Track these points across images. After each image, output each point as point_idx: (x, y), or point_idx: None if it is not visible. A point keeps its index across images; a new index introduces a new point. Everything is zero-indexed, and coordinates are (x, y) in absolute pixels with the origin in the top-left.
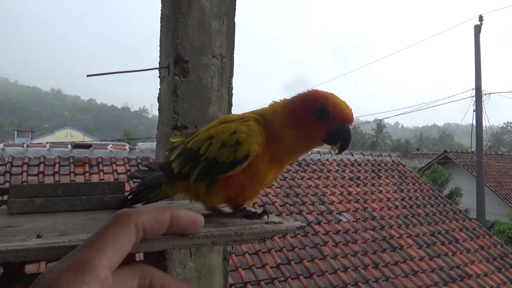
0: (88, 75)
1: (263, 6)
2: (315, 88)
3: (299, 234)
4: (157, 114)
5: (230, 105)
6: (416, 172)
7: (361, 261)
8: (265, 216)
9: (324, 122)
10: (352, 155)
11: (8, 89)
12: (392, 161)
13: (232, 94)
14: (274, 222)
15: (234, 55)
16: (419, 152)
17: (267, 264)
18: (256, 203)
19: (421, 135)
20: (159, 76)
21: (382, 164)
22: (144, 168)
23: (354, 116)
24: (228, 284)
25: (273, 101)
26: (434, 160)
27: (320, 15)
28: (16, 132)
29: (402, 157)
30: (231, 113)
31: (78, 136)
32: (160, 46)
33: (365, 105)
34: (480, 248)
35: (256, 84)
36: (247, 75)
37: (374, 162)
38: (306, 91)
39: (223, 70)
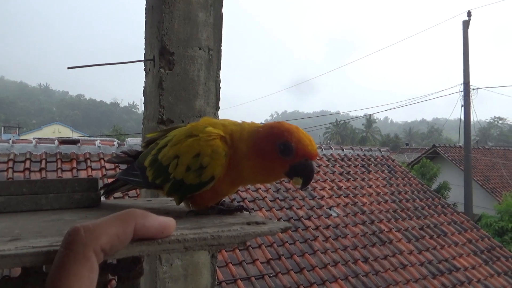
0: (69, 67)
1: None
2: (309, 80)
3: (289, 229)
4: None
5: (217, 98)
6: (405, 166)
7: (351, 256)
8: (245, 213)
9: (287, 157)
10: (342, 150)
11: None
12: (382, 156)
13: (219, 88)
14: (257, 222)
15: (222, 48)
16: (408, 146)
17: (258, 259)
18: (246, 198)
19: (410, 130)
20: (144, 69)
21: (372, 159)
22: (122, 154)
23: (343, 112)
24: (217, 282)
25: (242, 121)
26: (423, 154)
27: (314, 11)
28: (3, 128)
29: (391, 151)
30: (218, 107)
31: (67, 132)
32: (145, 38)
33: (355, 100)
34: (468, 241)
35: (249, 78)
36: (239, 69)
37: (364, 157)
38: (272, 122)
39: (210, 63)
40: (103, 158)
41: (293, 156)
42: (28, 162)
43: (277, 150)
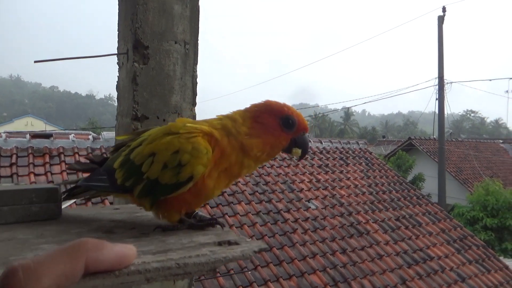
0: (35, 61)
1: None
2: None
3: (268, 222)
4: None
5: (194, 94)
6: (382, 158)
7: (329, 247)
8: (218, 227)
9: (290, 130)
10: (321, 143)
11: None
12: (360, 148)
13: (196, 83)
14: (229, 242)
15: (199, 41)
16: (385, 139)
17: None
18: (225, 192)
19: (386, 123)
20: (118, 63)
21: (350, 152)
22: (86, 161)
23: (322, 105)
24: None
25: (224, 114)
26: (399, 147)
27: (294, 2)
28: None
29: (369, 144)
30: (195, 103)
31: (40, 125)
32: (118, 31)
33: (333, 94)
34: (442, 231)
35: (227, 71)
36: (217, 61)
37: (342, 150)
38: (262, 101)
39: (186, 57)
40: (77, 153)
41: (295, 129)
42: None
43: (281, 124)
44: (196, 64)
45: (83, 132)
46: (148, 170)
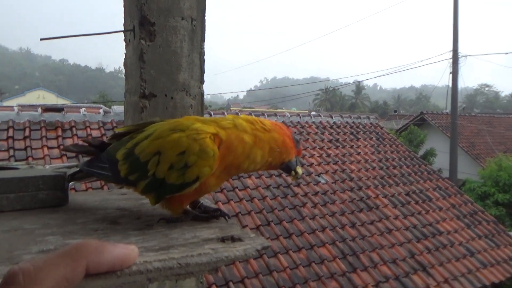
0: (41, 39)
1: None
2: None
3: (278, 196)
4: None
5: (202, 71)
6: (393, 133)
7: (339, 221)
8: (221, 218)
9: (296, 147)
10: (331, 117)
11: None
12: (370, 123)
13: (204, 60)
14: (233, 238)
15: (208, 15)
16: (396, 113)
17: (247, 225)
18: None
19: (398, 97)
20: (124, 40)
21: (361, 126)
22: (83, 143)
23: (332, 79)
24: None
25: (237, 116)
26: (411, 121)
27: None
28: None
29: (380, 118)
30: (203, 80)
31: (51, 98)
32: (124, 6)
33: (345, 67)
34: (452, 206)
35: (237, 44)
36: (226, 34)
37: (352, 124)
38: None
39: (193, 34)
40: (89, 126)
41: (298, 149)
42: (11, 130)
43: (293, 140)
44: (204, 40)
45: (94, 105)
46: (155, 169)
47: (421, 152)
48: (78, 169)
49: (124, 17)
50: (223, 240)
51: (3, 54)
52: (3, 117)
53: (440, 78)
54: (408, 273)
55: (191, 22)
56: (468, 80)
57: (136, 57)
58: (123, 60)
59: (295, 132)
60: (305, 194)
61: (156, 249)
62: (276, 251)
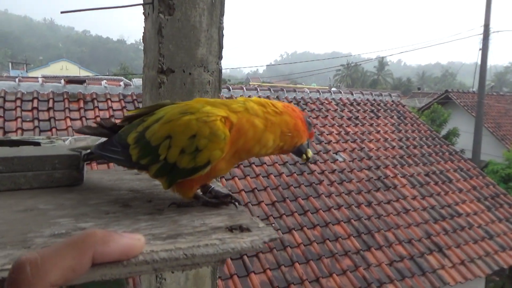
0: (62, 12)
1: None
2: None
3: (295, 173)
4: None
5: (220, 47)
6: (416, 112)
7: (355, 200)
8: (232, 206)
9: (309, 130)
10: (352, 94)
11: None
12: (392, 101)
13: (223, 35)
14: (241, 228)
15: None
16: (420, 91)
17: (263, 201)
18: None
19: (423, 74)
20: (143, 13)
21: (382, 104)
22: (96, 125)
23: (355, 54)
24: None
25: (248, 98)
26: (434, 100)
27: None
28: (10, 64)
29: (402, 96)
30: (221, 56)
31: (74, 69)
32: None
33: (368, 42)
34: (473, 188)
35: (257, 17)
36: (245, 7)
37: (373, 102)
38: (277, 103)
39: (213, 8)
40: (110, 99)
41: (311, 131)
42: (35, 101)
43: (306, 123)
44: (223, 15)
45: (115, 77)
46: (165, 153)
47: (443, 132)
48: (89, 151)
49: None
50: (231, 229)
51: (28, 24)
52: (28, 88)
53: (468, 54)
54: (424, 254)
55: None
56: (499, 58)
57: (155, 31)
58: (142, 34)
59: (308, 115)
60: (322, 172)
61: (164, 238)
62: (290, 227)
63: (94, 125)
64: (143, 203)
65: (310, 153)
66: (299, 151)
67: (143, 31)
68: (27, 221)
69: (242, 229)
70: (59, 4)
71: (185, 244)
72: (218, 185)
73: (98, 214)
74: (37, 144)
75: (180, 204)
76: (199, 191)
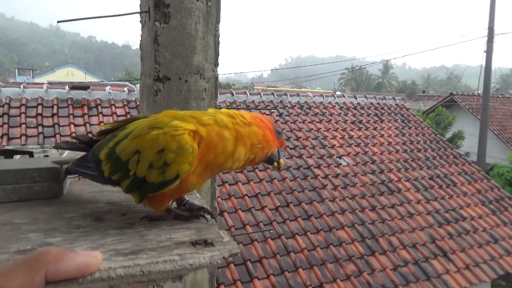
0: (58, 21)
1: None
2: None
3: (298, 177)
4: None
5: (216, 54)
6: (420, 115)
7: (359, 204)
8: (203, 218)
9: (278, 138)
10: (355, 98)
11: (5, 24)
12: (396, 104)
13: (219, 42)
14: (206, 242)
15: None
16: (424, 94)
17: (266, 206)
18: None
19: (428, 76)
20: (140, 21)
21: (386, 108)
22: (74, 140)
23: (359, 58)
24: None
25: (218, 110)
26: (439, 102)
27: None
28: (17, 70)
29: (407, 99)
30: (217, 63)
31: (80, 75)
32: None
33: (372, 45)
34: (477, 191)
35: (261, 21)
36: (248, 11)
37: (377, 106)
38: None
39: (208, 15)
40: (114, 104)
41: (281, 140)
42: (40, 107)
43: (275, 132)
44: (219, 22)
45: (119, 83)
46: (135, 168)
47: (448, 135)
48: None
49: None
50: (195, 244)
51: (34, 30)
52: (33, 94)
53: (473, 57)
54: (428, 258)
55: (206, 3)
56: (504, 60)
57: (151, 39)
58: (139, 42)
59: (277, 125)
60: (326, 176)
61: (126, 253)
62: (294, 232)
63: (73, 140)
64: (117, 217)
65: (282, 162)
66: (270, 160)
67: (140, 39)
68: (2, 234)
69: (206, 243)
70: (64, 11)
71: (145, 260)
72: (197, 197)
73: (69, 228)
74: (30, 153)
75: (152, 217)
76: (174, 204)
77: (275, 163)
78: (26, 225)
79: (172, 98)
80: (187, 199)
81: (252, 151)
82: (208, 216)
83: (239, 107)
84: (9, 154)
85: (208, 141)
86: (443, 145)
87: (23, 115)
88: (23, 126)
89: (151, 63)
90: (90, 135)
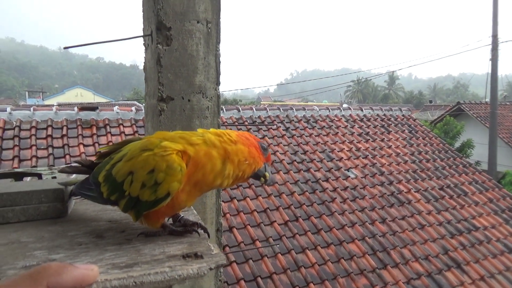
0: (65, 48)
1: None
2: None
3: (307, 191)
4: None
5: (218, 73)
6: (428, 125)
7: (369, 217)
8: (195, 233)
9: (264, 154)
10: (362, 110)
11: (15, 48)
12: (403, 115)
13: (219, 62)
14: (196, 255)
15: (221, 19)
16: (432, 104)
17: (275, 221)
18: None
19: (435, 86)
20: (144, 44)
21: (392, 119)
22: (76, 164)
23: (365, 70)
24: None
25: (207, 130)
26: (447, 112)
27: None
28: (27, 93)
29: (414, 109)
30: (219, 82)
31: (88, 96)
32: (143, 12)
33: (377, 57)
34: (489, 201)
35: (266, 36)
36: (254, 27)
37: (384, 117)
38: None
39: (209, 36)
40: (122, 124)
41: (267, 156)
42: (50, 129)
43: (260, 149)
44: (219, 42)
45: (127, 102)
46: (129, 188)
47: (457, 144)
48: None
49: (143, 22)
50: (185, 257)
51: (44, 53)
52: (43, 116)
53: (479, 65)
54: (442, 270)
55: (206, 25)
56: (511, 67)
57: (154, 61)
58: (143, 64)
59: (262, 141)
60: (334, 189)
61: (121, 267)
62: (304, 247)
63: (75, 165)
64: (116, 234)
65: (267, 175)
66: (257, 175)
67: (144, 61)
68: (6, 254)
69: (196, 256)
70: (73, 34)
71: (138, 272)
72: (193, 213)
73: (71, 245)
74: (39, 175)
75: (148, 233)
76: (170, 220)
77: (262, 178)
78: (32, 243)
79: (176, 117)
80: (182, 215)
81: (240, 168)
82: (201, 231)
83: (246, 123)
84: (19, 176)
85: (196, 160)
86: (452, 154)
87: (33, 137)
88: (34, 147)
89: (154, 84)
90: (93, 158)
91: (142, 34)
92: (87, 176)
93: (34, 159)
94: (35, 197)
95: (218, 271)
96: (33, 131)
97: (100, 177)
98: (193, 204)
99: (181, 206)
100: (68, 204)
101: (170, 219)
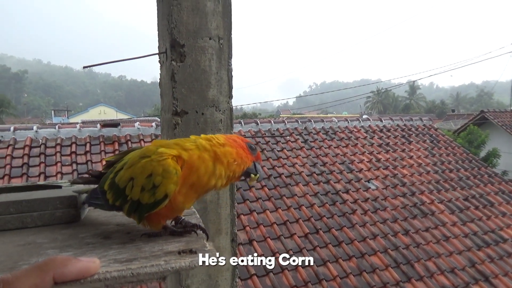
0: (84, 67)
1: None
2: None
3: (327, 203)
4: None
5: (230, 87)
6: (451, 135)
7: (391, 228)
8: (194, 233)
9: (252, 154)
10: (381, 120)
11: (42, 70)
12: (424, 125)
13: (232, 76)
14: (191, 251)
15: (232, 35)
16: (454, 113)
17: (295, 234)
18: (282, 174)
19: (457, 95)
20: (159, 61)
21: (413, 129)
22: (86, 175)
23: (385, 80)
24: (237, 269)
25: (199, 136)
26: (470, 121)
27: None
28: (53, 111)
29: (436, 119)
30: (231, 95)
31: (111, 113)
32: (158, 31)
33: (397, 67)
34: None
35: (284, 51)
36: (271, 42)
37: (404, 127)
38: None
39: (221, 52)
40: (143, 139)
41: (256, 155)
42: (74, 146)
43: (247, 146)
44: (231, 57)
45: (148, 118)
46: (130, 193)
47: (482, 154)
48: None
49: (158, 40)
50: (181, 252)
51: (69, 74)
52: (67, 133)
53: (502, 72)
54: (469, 283)
55: (218, 41)
56: None
57: (169, 77)
58: (159, 80)
59: (251, 142)
60: (355, 201)
61: (122, 261)
62: (325, 260)
63: (85, 176)
64: (122, 235)
65: (257, 173)
66: (247, 173)
67: (159, 77)
68: (23, 253)
69: (191, 252)
70: (95, 53)
71: (136, 265)
72: (196, 217)
73: (80, 245)
74: (59, 187)
75: (151, 234)
76: (172, 223)
77: (252, 175)
78: (47, 244)
79: (190, 130)
80: (183, 218)
81: (230, 168)
82: (200, 232)
83: (264, 135)
84: (42, 188)
85: (190, 163)
86: (477, 164)
87: (58, 154)
88: (59, 164)
89: (169, 99)
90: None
91: (157, 52)
92: (95, 186)
93: (59, 175)
94: (51, 203)
95: (234, 281)
96: (58, 148)
97: (106, 185)
98: (191, 206)
99: (179, 207)
100: (81, 210)
101: (173, 222)
